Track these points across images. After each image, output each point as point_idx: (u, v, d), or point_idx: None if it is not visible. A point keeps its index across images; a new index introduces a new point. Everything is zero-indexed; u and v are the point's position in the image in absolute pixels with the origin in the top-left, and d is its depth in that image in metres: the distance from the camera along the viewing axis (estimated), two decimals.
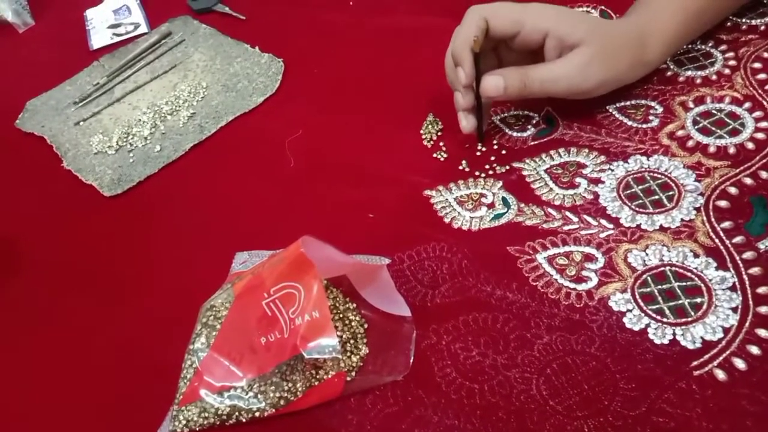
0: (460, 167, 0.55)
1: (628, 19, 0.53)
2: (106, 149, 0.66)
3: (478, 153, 0.55)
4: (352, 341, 0.44)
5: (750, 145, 0.49)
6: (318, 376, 0.42)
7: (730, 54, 0.56)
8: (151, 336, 0.49)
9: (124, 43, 0.80)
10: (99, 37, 0.83)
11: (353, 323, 0.45)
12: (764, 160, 0.48)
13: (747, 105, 0.52)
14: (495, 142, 0.56)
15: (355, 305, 0.46)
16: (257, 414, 0.42)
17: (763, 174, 0.47)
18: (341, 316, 0.45)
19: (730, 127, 0.51)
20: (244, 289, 0.43)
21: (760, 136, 0.50)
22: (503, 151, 0.55)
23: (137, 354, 0.49)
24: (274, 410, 0.42)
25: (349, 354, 0.44)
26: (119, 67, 0.76)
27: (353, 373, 0.43)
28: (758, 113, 0.51)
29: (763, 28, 0.57)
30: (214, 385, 0.42)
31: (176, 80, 0.72)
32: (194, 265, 0.53)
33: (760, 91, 0.53)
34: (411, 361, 0.43)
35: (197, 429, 0.42)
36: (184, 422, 0.42)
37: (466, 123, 0.53)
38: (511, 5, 0.51)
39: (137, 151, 0.65)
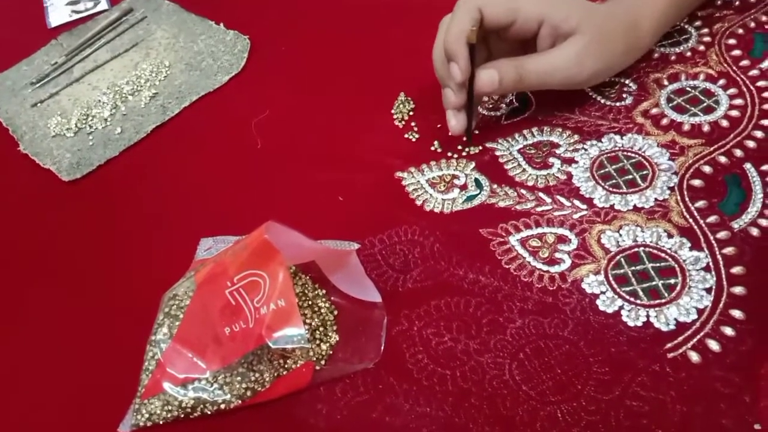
0: (432, 148, 0.53)
1: (619, 2, 0.51)
2: (65, 132, 0.63)
3: (451, 134, 0.54)
4: (321, 329, 0.43)
5: (724, 123, 0.49)
6: (286, 366, 0.41)
7: (705, 30, 0.56)
8: (112, 326, 0.47)
9: (84, 21, 0.77)
10: (57, 14, 0.79)
11: (323, 310, 0.44)
12: (738, 138, 0.48)
13: (721, 82, 0.52)
14: None
15: (324, 292, 0.45)
16: (223, 406, 0.40)
17: (738, 152, 0.47)
18: (310, 303, 0.44)
19: (705, 104, 0.50)
20: (206, 278, 0.41)
21: (734, 113, 0.49)
22: (476, 131, 0.53)
23: (97, 345, 0.47)
24: (240, 402, 0.40)
25: (318, 342, 0.42)
26: (78, 46, 0.73)
27: (323, 362, 0.42)
28: (732, 90, 0.51)
29: (737, 3, 0.57)
30: (178, 378, 0.40)
31: (138, 59, 0.70)
32: (157, 252, 0.51)
33: (734, 67, 0.52)
34: (382, 348, 0.42)
35: (161, 422, 0.41)
36: (146, 416, 0.41)
37: (456, 123, 0.50)
38: None
39: (97, 134, 0.62)
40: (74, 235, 0.55)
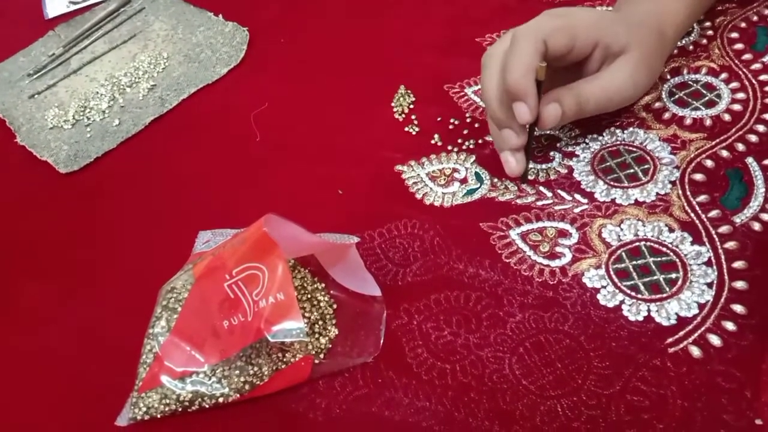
0: (432, 141, 0.53)
1: (646, 11, 0.49)
2: (62, 124, 0.63)
3: (451, 127, 0.53)
4: (320, 322, 0.43)
5: (726, 117, 0.49)
6: (285, 359, 0.41)
7: (707, 24, 0.55)
8: (110, 319, 0.47)
9: (81, 12, 0.76)
10: (54, 6, 0.79)
11: (322, 304, 0.44)
12: (740, 133, 0.47)
13: (723, 76, 0.51)
14: (468, 115, 0.54)
15: (323, 285, 0.45)
16: (221, 400, 0.40)
17: (740, 146, 0.47)
18: (309, 296, 0.44)
19: (707, 98, 0.50)
20: (205, 271, 0.41)
21: (736, 107, 0.49)
22: (476, 125, 0.53)
23: (95, 338, 0.46)
24: (238, 395, 0.40)
25: (317, 335, 0.42)
26: (76, 37, 0.73)
27: (322, 356, 0.42)
28: (735, 84, 0.50)
29: None
30: (175, 371, 0.40)
31: (136, 50, 0.69)
32: (155, 245, 0.51)
33: (736, 61, 0.52)
34: (381, 341, 0.42)
35: (158, 416, 0.40)
36: (144, 409, 0.40)
37: (517, 164, 0.46)
38: (556, 19, 0.44)
39: (95, 126, 0.62)
40: (71, 228, 0.54)
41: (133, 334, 0.43)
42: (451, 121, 0.54)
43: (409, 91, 0.57)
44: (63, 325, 0.48)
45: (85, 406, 0.43)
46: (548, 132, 0.51)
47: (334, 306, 0.44)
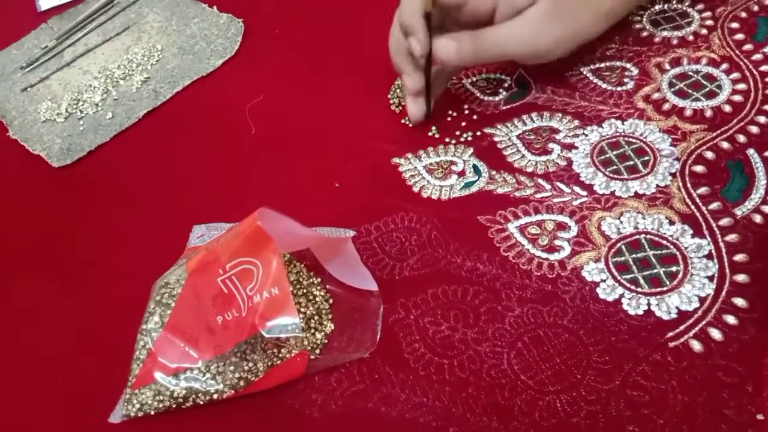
0: (430, 134, 0.52)
1: None
2: (55, 117, 0.62)
3: (449, 119, 0.53)
4: (316, 317, 0.42)
5: (727, 108, 0.48)
6: (280, 355, 0.40)
7: (707, 14, 0.54)
8: (103, 315, 0.47)
9: (74, 4, 0.75)
10: None
11: (318, 299, 0.43)
12: (741, 124, 0.47)
13: (724, 66, 0.50)
14: (466, 106, 0.53)
15: (319, 280, 0.44)
16: (215, 396, 0.39)
17: (741, 138, 0.46)
18: (305, 291, 0.43)
19: (707, 89, 0.49)
20: (198, 266, 0.40)
21: (737, 98, 0.48)
22: (474, 116, 0.52)
23: (88, 334, 0.46)
24: (233, 392, 0.40)
25: (313, 331, 0.42)
26: (69, 29, 0.72)
27: (318, 351, 0.41)
28: (735, 75, 0.50)
29: None
30: (169, 367, 0.40)
31: (129, 43, 0.68)
32: (149, 240, 0.50)
33: (737, 51, 0.51)
34: (378, 337, 0.41)
35: (152, 413, 0.40)
36: (138, 406, 0.40)
37: (414, 109, 0.50)
38: None
39: (88, 119, 0.61)
40: (64, 222, 0.54)
41: (126, 330, 0.43)
42: (449, 112, 0.53)
43: None
44: (55, 320, 0.47)
45: (77, 402, 0.43)
46: (546, 123, 0.50)
47: (330, 301, 0.43)
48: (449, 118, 0.53)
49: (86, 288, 0.49)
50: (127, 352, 0.42)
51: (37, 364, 0.45)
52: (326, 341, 0.41)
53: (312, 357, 0.41)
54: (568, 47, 0.49)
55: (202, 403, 0.40)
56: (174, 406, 0.40)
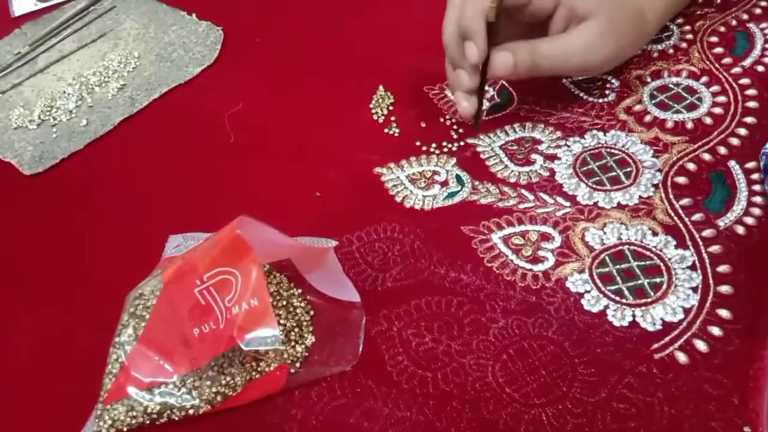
0: (412, 143, 0.52)
1: None
2: (27, 124, 0.61)
3: (432, 129, 0.52)
4: (296, 330, 0.41)
5: (708, 120, 0.48)
6: (259, 369, 0.39)
7: (687, 27, 0.55)
8: (75, 328, 0.45)
9: (49, 10, 0.74)
10: (21, 3, 0.76)
11: (298, 310, 0.42)
12: (722, 136, 0.47)
13: (704, 79, 0.51)
14: (448, 117, 0.53)
15: (300, 291, 0.43)
16: (191, 412, 0.38)
17: (722, 150, 0.46)
18: (285, 302, 0.42)
19: (688, 101, 0.50)
20: (174, 276, 0.39)
21: (717, 110, 0.49)
22: (456, 127, 0.52)
23: (58, 347, 0.44)
24: (210, 407, 0.38)
25: (293, 343, 0.41)
26: (43, 36, 0.70)
27: (297, 364, 0.40)
28: (715, 87, 0.50)
29: (719, 1, 0.56)
30: (143, 381, 0.38)
31: (106, 49, 0.67)
32: (123, 250, 0.49)
33: (717, 65, 0.52)
34: (360, 349, 0.40)
35: (124, 429, 0.38)
36: (109, 422, 0.38)
37: (468, 105, 0.47)
38: None
39: (61, 126, 0.60)
40: (36, 232, 0.52)
41: (98, 343, 0.41)
42: (431, 123, 0.53)
43: (388, 93, 0.56)
44: (23, 333, 0.46)
45: (46, 418, 0.41)
46: (528, 134, 0.50)
47: (311, 312, 0.42)
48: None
49: (57, 299, 0.47)
50: (99, 365, 0.40)
51: (5, 377, 0.43)
52: (307, 354, 0.40)
53: (292, 370, 0.39)
54: (611, 66, 0.49)
55: (177, 419, 0.38)
56: (148, 422, 0.38)
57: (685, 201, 0.44)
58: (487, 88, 0.54)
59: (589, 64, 0.48)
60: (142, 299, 0.41)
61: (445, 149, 0.51)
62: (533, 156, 0.49)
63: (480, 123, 0.50)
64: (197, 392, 0.38)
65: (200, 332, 0.37)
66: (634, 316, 0.39)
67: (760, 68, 0.50)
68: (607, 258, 0.42)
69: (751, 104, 0.48)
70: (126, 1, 0.72)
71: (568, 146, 0.49)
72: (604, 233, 0.44)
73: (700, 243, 0.42)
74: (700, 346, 0.37)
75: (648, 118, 0.49)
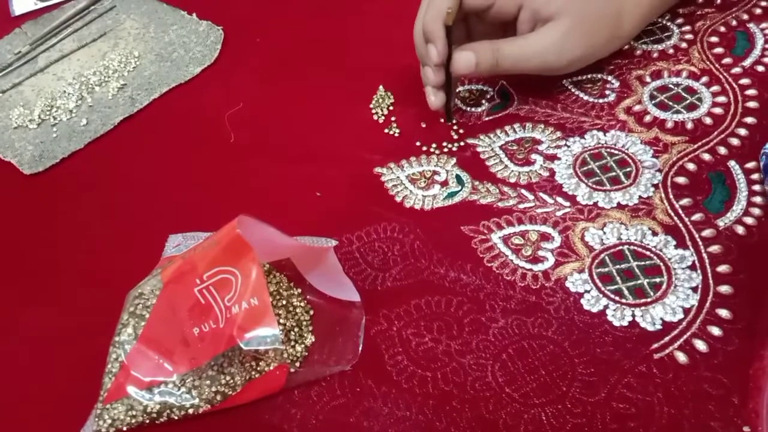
0: (412, 143, 0.52)
1: None
2: (27, 123, 0.61)
3: (453, 126, 0.52)
4: (296, 329, 0.41)
5: (708, 120, 0.48)
6: (258, 368, 0.39)
7: (687, 28, 0.55)
8: (74, 327, 0.45)
9: (50, 9, 0.74)
10: (21, 2, 0.76)
11: (298, 310, 0.42)
12: (722, 136, 0.47)
13: (704, 79, 0.51)
14: None
15: (299, 291, 0.43)
16: (191, 411, 0.38)
17: (722, 150, 0.46)
18: (285, 302, 0.42)
19: (688, 101, 0.50)
20: (174, 276, 0.39)
21: (717, 111, 0.49)
22: (457, 128, 0.52)
23: (58, 347, 0.44)
24: (209, 406, 0.38)
25: (293, 343, 0.41)
26: (43, 35, 0.70)
27: (297, 364, 0.40)
28: (715, 88, 0.50)
29: (719, 1, 0.56)
30: (143, 381, 0.38)
31: (106, 49, 0.67)
32: (123, 250, 0.49)
33: (717, 65, 0.52)
34: (360, 349, 0.40)
35: (124, 429, 0.38)
36: (109, 422, 0.38)
37: (435, 99, 0.50)
38: None
39: (61, 125, 0.60)
40: (36, 232, 0.52)
41: (98, 343, 0.41)
42: (432, 123, 0.53)
43: (388, 93, 0.56)
44: (23, 331, 0.46)
45: (46, 417, 0.41)
46: (528, 134, 0.50)
47: (311, 312, 0.42)
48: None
49: (57, 298, 0.47)
50: (98, 365, 0.40)
51: (5, 376, 0.43)
52: (306, 354, 0.40)
53: (292, 370, 0.39)
54: (581, 65, 0.50)
55: (176, 418, 0.38)
56: (147, 421, 0.38)
57: (684, 201, 0.44)
58: (484, 87, 0.54)
59: (552, 64, 0.48)
60: (141, 298, 0.41)
61: (445, 149, 0.51)
62: (533, 156, 0.49)
63: (452, 116, 0.52)
64: (197, 392, 0.38)
65: (200, 331, 0.37)
66: (633, 315, 0.39)
67: (760, 68, 0.50)
68: (606, 258, 0.42)
69: (751, 104, 0.48)
70: (126, 0, 0.72)
71: (568, 146, 0.49)
72: (604, 233, 0.44)
73: (700, 243, 0.42)
74: (700, 346, 0.37)
75: (648, 119, 0.49)
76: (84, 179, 0.55)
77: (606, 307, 0.40)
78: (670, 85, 0.51)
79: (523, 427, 0.36)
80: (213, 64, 0.62)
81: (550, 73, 0.50)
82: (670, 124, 0.49)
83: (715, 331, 0.38)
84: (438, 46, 0.47)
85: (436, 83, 0.49)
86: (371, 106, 0.55)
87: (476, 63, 0.47)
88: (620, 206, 0.45)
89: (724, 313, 0.38)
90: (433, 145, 0.51)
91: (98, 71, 0.64)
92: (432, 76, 0.49)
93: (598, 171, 0.47)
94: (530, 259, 0.43)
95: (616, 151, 0.48)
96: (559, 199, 0.46)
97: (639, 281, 0.41)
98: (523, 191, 0.47)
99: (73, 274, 0.48)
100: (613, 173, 0.47)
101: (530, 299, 0.41)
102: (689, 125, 0.48)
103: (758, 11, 0.54)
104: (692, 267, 0.41)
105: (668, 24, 0.56)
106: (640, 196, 0.45)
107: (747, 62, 0.51)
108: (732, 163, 0.45)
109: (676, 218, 0.43)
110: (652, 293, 0.40)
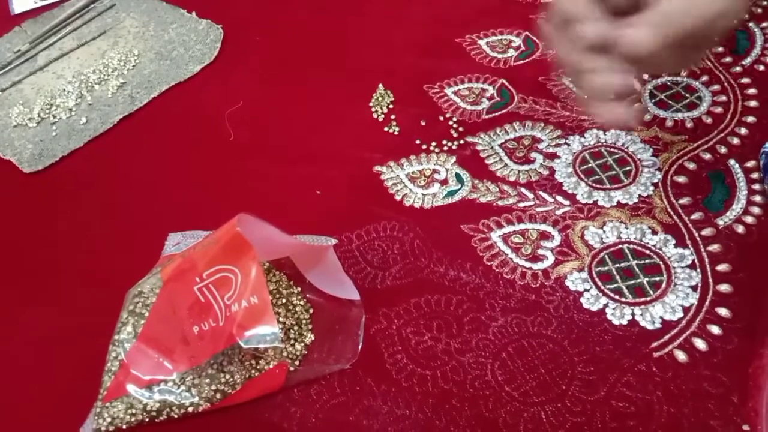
0: (412, 142, 0.51)
1: None
2: (27, 121, 0.60)
3: (432, 128, 0.52)
4: (296, 328, 0.41)
5: (707, 119, 0.48)
6: (258, 367, 0.39)
7: None
8: (74, 325, 0.45)
9: (50, 8, 0.73)
10: (21, 1, 0.76)
11: (297, 308, 0.42)
12: (721, 135, 0.47)
13: (704, 78, 0.51)
14: (448, 115, 0.53)
15: (299, 289, 0.43)
16: (190, 409, 0.38)
17: (721, 149, 0.46)
18: (285, 300, 0.42)
19: (687, 100, 0.50)
20: (174, 274, 0.39)
21: (717, 110, 0.49)
22: (457, 126, 0.52)
23: (58, 345, 0.44)
24: (209, 405, 0.38)
25: (292, 342, 0.41)
26: (43, 33, 0.70)
27: (297, 362, 0.40)
28: (715, 87, 0.50)
29: None
30: (142, 379, 0.38)
31: (105, 47, 0.67)
32: (123, 248, 0.49)
33: (716, 64, 0.52)
34: (359, 347, 0.40)
35: (124, 427, 0.38)
36: (109, 420, 0.38)
37: (623, 112, 0.36)
38: None
39: (61, 124, 0.60)
40: (35, 230, 0.52)
41: (97, 341, 0.41)
42: (431, 121, 0.53)
43: (388, 91, 0.56)
44: (23, 330, 0.45)
45: (46, 416, 0.41)
46: (528, 132, 0.50)
47: (311, 310, 0.42)
48: (432, 127, 0.52)
49: (57, 297, 0.47)
50: (98, 364, 0.40)
51: (5, 374, 0.43)
52: (306, 352, 0.40)
53: (291, 368, 0.39)
54: (725, 26, 0.35)
55: (176, 416, 0.38)
56: (147, 419, 0.38)
57: (684, 200, 0.44)
58: (484, 85, 0.54)
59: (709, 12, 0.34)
60: (141, 297, 0.41)
61: (445, 147, 0.51)
62: (533, 154, 0.49)
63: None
64: (197, 390, 0.38)
65: (200, 330, 0.37)
66: (633, 314, 0.39)
67: (761, 67, 0.50)
68: (606, 257, 0.42)
69: (751, 103, 0.48)
70: None
71: (568, 145, 0.49)
72: (604, 232, 0.44)
73: (700, 242, 0.42)
74: (700, 344, 0.37)
75: (647, 117, 0.49)
76: (83, 178, 0.55)
77: (606, 305, 0.40)
78: (670, 84, 0.51)
79: (523, 426, 0.36)
80: (213, 63, 0.62)
81: (708, 30, 0.35)
82: (669, 123, 0.49)
83: (715, 329, 0.38)
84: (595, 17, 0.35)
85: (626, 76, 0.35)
86: (371, 104, 0.55)
87: (652, 35, 0.33)
88: (620, 205, 0.45)
89: (723, 311, 0.38)
90: (433, 144, 0.51)
91: (98, 69, 0.64)
92: (611, 79, 0.35)
93: (597, 170, 0.47)
94: (530, 257, 0.43)
95: (616, 150, 0.48)
96: (559, 198, 0.46)
97: (639, 280, 0.41)
98: (522, 190, 0.47)
99: (73, 272, 0.48)
100: (613, 172, 0.47)
101: (530, 298, 0.41)
102: (689, 124, 0.48)
103: (758, 11, 0.54)
104: (692, 266, 0.41)
105: None
106: (639, 195, 0.45)
107: (747, 61, 0.51)
108: (732, 162, 0.45)
109: (675, 217, 0.43)
110: (651, 292, 0.40)
